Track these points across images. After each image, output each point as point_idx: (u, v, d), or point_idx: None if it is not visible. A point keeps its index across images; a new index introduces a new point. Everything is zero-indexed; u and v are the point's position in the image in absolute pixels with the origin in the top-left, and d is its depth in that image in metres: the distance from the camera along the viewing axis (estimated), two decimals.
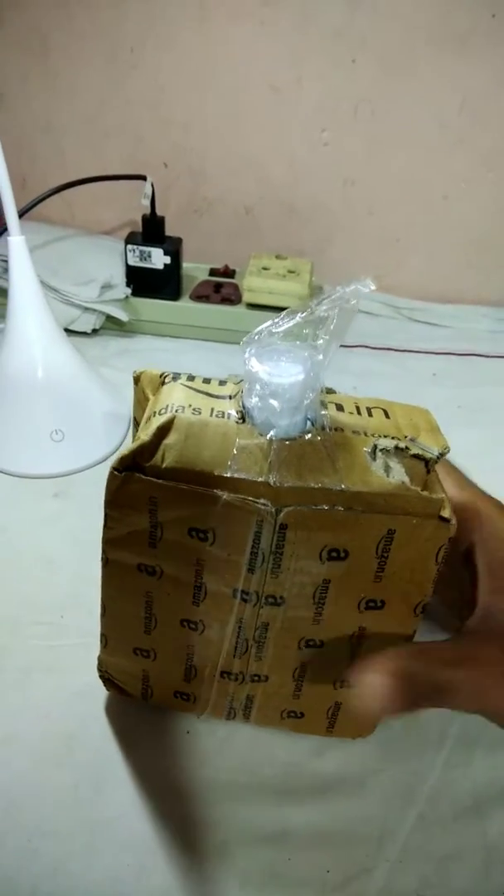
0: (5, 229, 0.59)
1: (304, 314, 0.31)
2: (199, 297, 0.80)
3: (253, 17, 0.74)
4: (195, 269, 0.83)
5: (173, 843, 0.36)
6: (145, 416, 0.33)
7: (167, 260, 0.76)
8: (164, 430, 0.30)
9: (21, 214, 0.57)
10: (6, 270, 0.74)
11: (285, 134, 0.81)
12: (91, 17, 0.76)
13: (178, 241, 0.77)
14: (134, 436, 0.37)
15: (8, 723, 0.41)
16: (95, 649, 0.39)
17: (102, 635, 0.38)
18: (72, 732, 0.41)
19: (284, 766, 0.40)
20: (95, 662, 0.40)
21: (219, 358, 0.78)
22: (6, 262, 0.73)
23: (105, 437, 0.63)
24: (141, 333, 0.80)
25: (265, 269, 0.78)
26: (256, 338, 0.31)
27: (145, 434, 0.30)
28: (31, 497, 0.57)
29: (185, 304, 0.79)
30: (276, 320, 0.32)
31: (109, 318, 0.78)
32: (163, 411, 0.31)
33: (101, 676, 0.40)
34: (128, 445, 0.30)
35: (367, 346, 0.81)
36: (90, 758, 0.40)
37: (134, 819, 0.37)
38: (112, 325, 0.79)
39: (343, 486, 0.29)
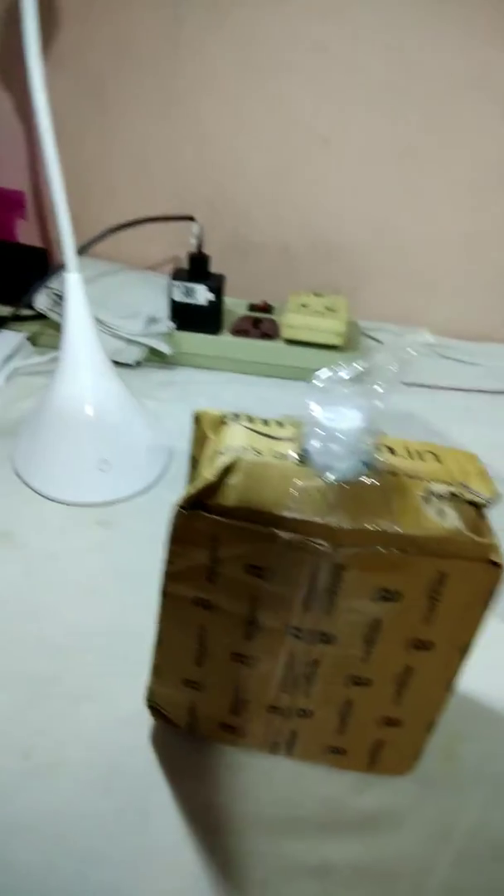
0: (62, 266, 0.62)
1: (364, 363, 0.33)
2: (238, 331, 0.82)
3: (301, 68, 0.77)
4: (234, 305, 0.85)
5: (218, 873, 0.37)
6: (207, 454, 0.34)
7: (211, 296, 0.78)
8: (227, 471, 0.31)
9: (79, 253, 0.60)
10: (56, 304, 0.77)
11: (327, 179, 0.84)
12: (147, 65, 0.80)
13: (222, 278, 0.79)
14: (191, 474, 0.39)
15: (56, 750, 0.42)
16: (141, 679, 0.40)
17: (155, 666, 0.39)
18: (118, 761, 0.42)
19: (325, 801, 0.41)
20: (141, 692, 0.41)
21: (257, 391, 0.79)
22: (58, 295, 0.76)
23: (148, 468, 0.64)
24: (181, 366, 0.83)
25: (304, 306, 0.80)
26: (318, 384, 0.33)
27: (209, 473, 0.31)
28: (78, 525, 0.58)
29: (225, 338, 0.81)
30: (338, 367, 0.33)
31: (152, 350, 0.80)
32: (225, 452, 0.32)
33: (148, 706, 0.42)
34: (193, 484, 0.31)
35: (422, 385, 0.83)
36: (136, 786, 0.40)
37: (180, 848, 0.38)
38: (154, 358, 0.82)
39: (399, 530, 0.30)
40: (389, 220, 0.85)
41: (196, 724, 0.41)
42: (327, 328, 0.78)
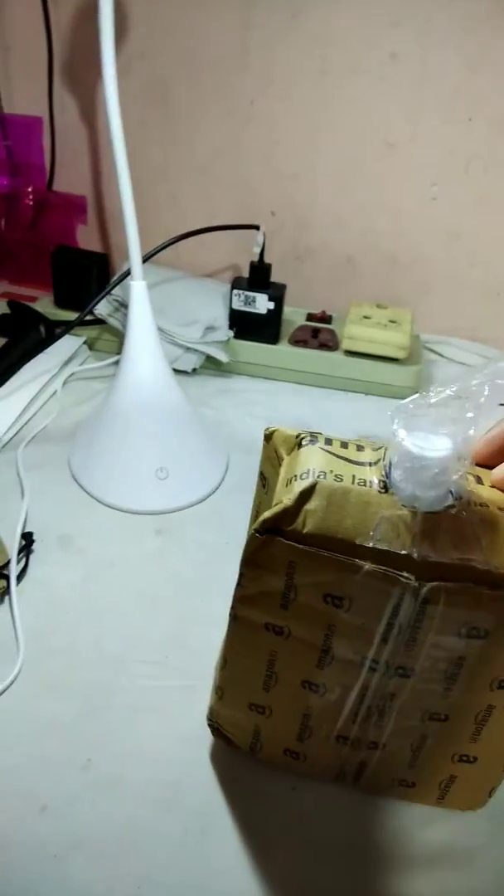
0: (126, 273, 0.62)
1: (455, 388, 0.31)
2: (297, 341, 0.81)
3: (372, 74, 0.76)
4: (292, 314, 0.84)
5: None
6: (282, 477, 0.33)
7: (271, 305, 0.77)
8: (305, 496, 0.30)
9: (144, 260, 0.59)
10: (117, 310, 0.77)
11: (393, 187, 0.82)
12: (214, 72, 0.80)
13: (283, 287, 0.78)
14: (260, 493, 0.38)
15: (115, 763, 0.41)
16: (200, 692, 0.39)
17: (219, 687, 0.38)
18: (178, 778, 0.41)
19: (393, 832, 0.39)
20: (200, 706, 0.40)
21: (314, 402, 0.78)
22: (118, 301, 0.76)
23: (205, 477, 0.64)
24: (238, 374, 0.82)
25: (366, 317, 0.79)
26: (407, 407, 0.31)
27: (287, 498, 0.30)
28: (136, 533, 0.58)
29: (283, 347, 0.80)
30: (427, 392, 0.31)
31: (209, 358, 0.80)
32: (304, 476, 0.31)
33: (210, 726, 0.40)
34: (272, 509, 0.30)
35: None
36: (196, 806, 0.40)
37: (239, 873, 0.37)
38: (211, 366, 0.81)
39: (489, 566, 0.29)
40: (456, 229, 0.84)
41: (260, 747, 0.39)
42: (390, 341, 0.77)
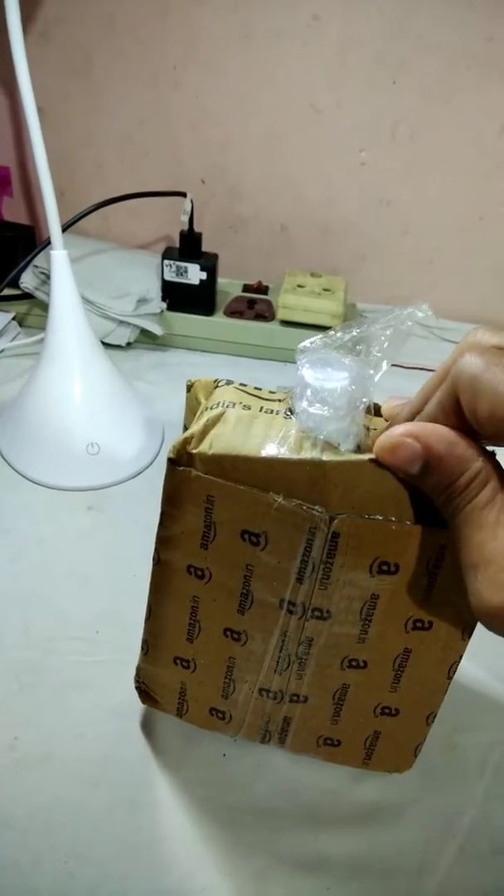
0: (47, 243, 0.60)
1: (359, 330, 0.31)
2: (232, 312, 0.80)
3: (295, 38, 0.75)
4: (228, 285, 0.83)
5: (210, 869, 0.36)
6: (196, 415, 0.33)
7: (203, 276, 0.76)
8: (213, 422, 0.30)
9: (64, 229, 0.58)
10: (44, 283, 0.75)
11: (323, 154, 0.81)
12: (134, 37, 0.77)
13: (215, 257, 0.77)
14: None
15: (44, 741, 0.40)
16: (130, 666, 0.39)
17: (144, 641, 0.37)
18: (107, 752, 0.40)
19: (322, 793, 0.40)
20: (130, 680, 0.40)
21: (251, 374, 0.78)
22: (45, 274, 0.74)
23: (139, 451, 0.63)
24: (174, 347, 0.81)
25: (300, 286, 0.78)
26: (310, 346, 0.31)
27: (195, 426, 0.30)
28: (66, 510, 0.57)
29: (219, 319, 0.79)
30: (331, 333, 0.32)
31: (143, 331, 0.78)
32: (213, 407, 0.31)
33: (136, 687, 0.40)
34: (181, 435, 0.30)
35: (399, 366, 0.81)
36: (126, 778, 0.39)
37: (170, 843, 0.37)
38: (145, 339, 0.80)
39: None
40: (386, 196, 0.83)
41: (186, 707, 0.39)
42: (323, 309, 0.76)
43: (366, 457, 0.29)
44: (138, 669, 0.39)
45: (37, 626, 0.47)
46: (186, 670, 0.37)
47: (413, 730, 0.37)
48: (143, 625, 0.36)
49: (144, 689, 0.40)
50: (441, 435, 0.26)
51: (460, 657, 0.34)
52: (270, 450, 0.29)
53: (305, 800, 0.39)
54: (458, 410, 0.26)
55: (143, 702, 0.41)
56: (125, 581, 0.50)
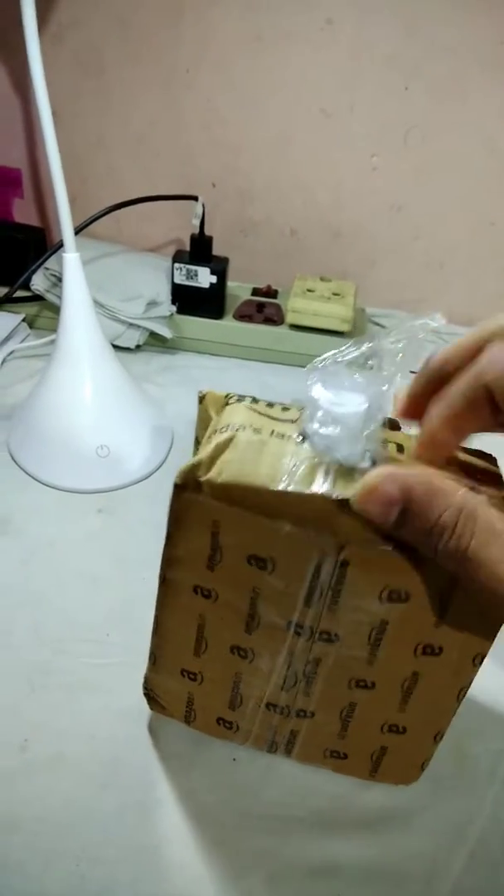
0: (60, 245, 0.60)
1: (371, 344, 0.31)
2: (242, 316, 0.80)
3: (308, 42, 0.75)
4: (238, 289, 0.83)
5: (220, 873, 0.36)
6: (207, 434, 0.33)
7: (213, 279, 0.76)
8: (222, 447, 0.30)
9: (77, 232, 0.58)
10: (55, 285, 0.75)
11: (334, 158, 0.81)
12: (147, 39, 0.77)
13: (225, 260, 0.77)
14: (195, 454, 0.37)
15: (54, 743, 0.40)
16: (141, 669, 0.39)
17: (151, 653, 0.37)
18: (117, 754, 0.40)
19: (331, 798, 0.40)
20: (140, 682, 0.40)
21: (260, 377, 0.78)
22: (56, 276, 0.74)
23: (149, 454, 0.63)
24: (183, 350, 0.81)
25: (310, 290, 0.78)
26: (321, 365, 0.31)
27: (204, 451, 0.30)
28: (77, 513, 0.57)
29: (228, 322, 0.79)
30: (343, 349, 0.31)
31: (153, 334, 0.78)
32: (223, 430, 0.31)
33: (145, 694, 0.40)
34: (189, 461, 0.30)
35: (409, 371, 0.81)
36: (135, 781, 0.39)
37: (180, 846, 0.37)
38: (155, 342, 0.80)
39: None
40: (398, 201, 0.83)
41: (193, 716, 0.39)
42: (333, 314, 0.76)
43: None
44: (146, 678, 0.39)
45: (47, 628, 0.47)
46: (193, 682, 0.37)
47: (420, 747, 0.37)
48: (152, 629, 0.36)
49: (152, 697, 0.40)
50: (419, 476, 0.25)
51: (470, 682, 0.33)
52: (281, 480, 0.28)
53: (315, 805, 0.39)
54: (488, 404, 0.25)
55: (152, 708, 0.41)
56: (135, 583, 0.50)
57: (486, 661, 0.33)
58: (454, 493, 0.25)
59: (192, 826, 0.38)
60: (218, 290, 0.77)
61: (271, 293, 0.83)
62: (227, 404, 0.34)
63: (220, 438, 0.30)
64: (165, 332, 0.78)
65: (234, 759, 0.41)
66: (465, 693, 0.34)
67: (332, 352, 0.31)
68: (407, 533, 0.26)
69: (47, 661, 0.45)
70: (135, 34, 0.77)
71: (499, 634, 0.32)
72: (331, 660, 0.33)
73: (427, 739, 0.36)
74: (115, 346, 0.76)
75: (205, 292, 0.77)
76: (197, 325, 0.79)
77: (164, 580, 0.34)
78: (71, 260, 0.57)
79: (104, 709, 0.42)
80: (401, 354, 0.31)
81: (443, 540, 0.25)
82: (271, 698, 0.36)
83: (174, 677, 0.37)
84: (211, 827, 0.38)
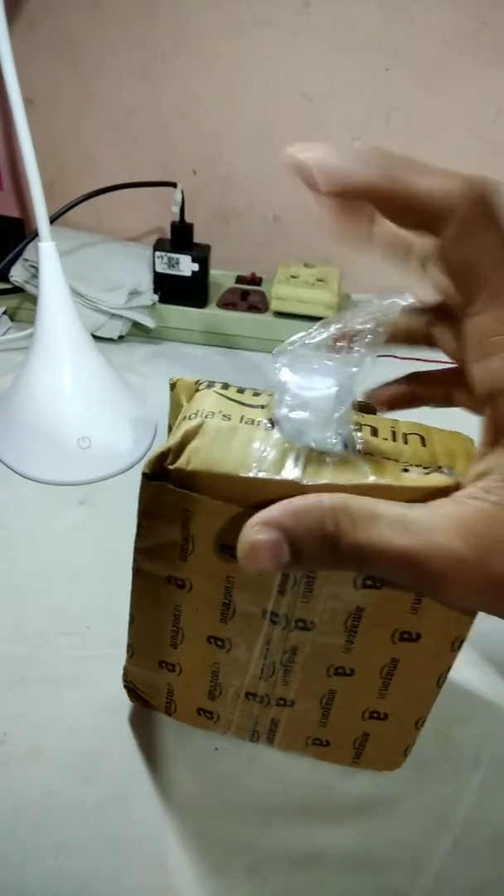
0: (35, 235, 0.59)
1: (339, 326, 0.30)
2: (226, 304, 0.79)
3: (285, 26, 0.74)
4: (222, 277, 0.82)
5: (202, 863, 0.36)
6: (177, 422, 0.32)
7: (195, 267, 0.75)
8: (191, 434, 0.29)
9: (52, 220, 0.57)
10: (34, 276, 0.74)
11: (312, 140, 0.80)
12: (123, 25, 0.76)
13: (207, 248, 0.77)
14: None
15: (34, 735, 0.40)
16: (121, 661, 0.38)
17: (129, 645, 0.37)
18: (98, 746, 0.40)
19: (314, 786, 0.39)
20: (121, 674, 0.39)
21: (245, 365, 0.77)
22: (35, 267, 0.73)
23: (131, 445, 0.62)
24: (167, 340, 0.80)
25: (293, 277, 0.77)
26: (289, 348, 0.31)
27: (173, 439, 0.29)
28: (58, 505, 0.56)
29: (212, 311, 0.79)
30: (310, 331, 0.31)
31: (136, 324, 0.78)
32: (192, 417, 0.30)
33: (125, 686, 0.40)
34: (156, 450, 0.29)
35: (393, 357, 0.80)
36: (116, 773, 0.39)
37: (161, 838, 0.36)
38: (138, 332, 0.79)
39: None
40: None
41: (174, 707, 0.39)
42: (318, 300, 0.76)
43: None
44: (125, 670, 0.39)
45: (28, 621, 0.46)
46: (172, 673, 0.36)
47: (402, 733, 0.37)
48: None
49: (133, 689, 0.40)
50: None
51: (449, 667, 0.33)
52: (251, 467, 0.28)
53: (298, 794, 0.39)
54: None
55: (132, 700, 0.40)
56: (117, 575, 0.48)
57: (468, 642, 0.33)
58: (319, 501, 0.24)
59: (174, 817, 0.37)
60: (200, 277, 0.76)
61: (256, 281, 0.82)
62: (197, 390, 0.33)
63: (188, 425, 0.30)
64: (148, 321, 0.77)
65: (216, 749, 0.40)
66: (446, 678, 0.33)
67: (300, 334, 0.31)
68: (309, 562, 0.24)
69: (28, 653, 0.44)
70: (110, 19, 0.76)
71: (479, 620, 0.31)
72: (308, 648, 0.33)
73: (409, 725, 0.36)
74: (97, 337, 0.75)
75: (187, 280, 0.76)
76: (180, 314, 0.79)
77: (137, 571, 0.33)
78: (46, 249, 0.56)
79: (85, 701, 0.42)
80: (369, 335, 0.30)
81: (338, 547, 0.24)
82: (250, 687, 0.35)
83: (153, 669, 0.37)
84: (193, 818, 0.37)
